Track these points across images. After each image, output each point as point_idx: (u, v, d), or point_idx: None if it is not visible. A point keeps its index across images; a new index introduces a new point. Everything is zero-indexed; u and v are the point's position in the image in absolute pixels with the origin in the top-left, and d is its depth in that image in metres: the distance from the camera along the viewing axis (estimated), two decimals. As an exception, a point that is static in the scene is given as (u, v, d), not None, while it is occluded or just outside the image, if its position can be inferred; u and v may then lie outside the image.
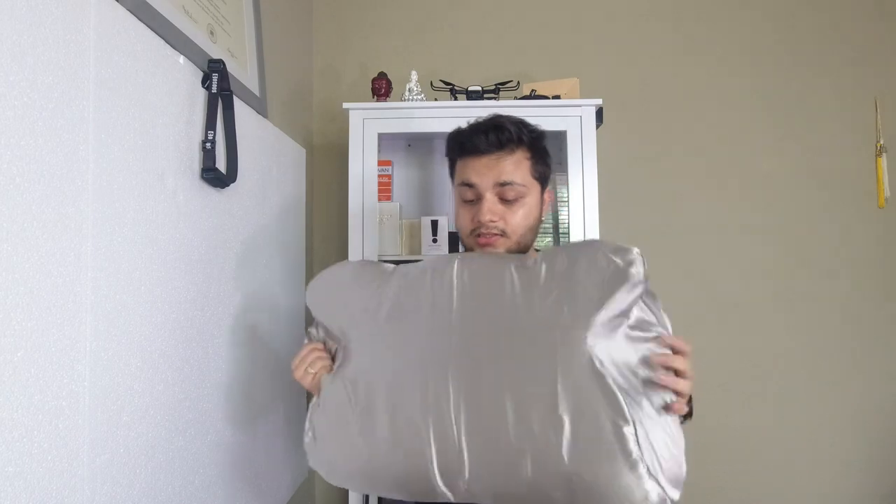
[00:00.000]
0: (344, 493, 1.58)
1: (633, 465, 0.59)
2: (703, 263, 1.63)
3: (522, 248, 0.83)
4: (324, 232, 1.69)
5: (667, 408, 0.64)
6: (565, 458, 0.60)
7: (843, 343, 1.61)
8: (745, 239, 1.64)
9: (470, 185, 0.81)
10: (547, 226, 1.49)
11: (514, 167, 0.80)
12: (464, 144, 0.82)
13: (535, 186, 0.83)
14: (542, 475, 0.62)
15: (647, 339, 0.67)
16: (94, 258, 0.66)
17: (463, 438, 0.64)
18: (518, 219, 0.80)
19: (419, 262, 0.77)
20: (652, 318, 0.70)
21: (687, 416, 0.71)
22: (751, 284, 1.63)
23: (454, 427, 0.65)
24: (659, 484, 0.60)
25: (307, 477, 1.51)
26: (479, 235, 0.81)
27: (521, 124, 0.82)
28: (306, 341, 0.81)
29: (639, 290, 0.66)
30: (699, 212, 1.65)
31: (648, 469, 0.60)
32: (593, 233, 1.29)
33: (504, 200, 0.80)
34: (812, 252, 1.63)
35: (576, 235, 1.30)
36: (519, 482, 0.63)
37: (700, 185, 1.65)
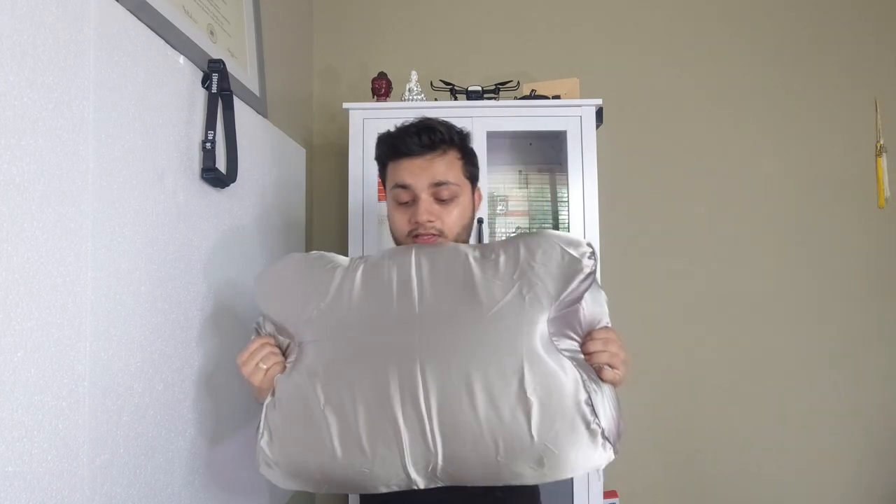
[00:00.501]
0: (344, 493, 1.58)
1: (593, 433, 0.66)
2: (703, 263, 1.63)
3: None
4: (324, 232, 1.69)
5: (608, 379, 0.71)
6: (535, 435, 0.64)
7: (844, 342, 1.61)
8: (744, 239, 1.64)
9: (404, 187, 0.81)
10: (546, 226, 1.49)
11: (447, 167, 0.82)
12: (395, 146, 0.83)
13: (467, 186, 0.85)
14: (513, 454, 0.65)
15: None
16: (94, 258, 0.66)
17: (435, 425, 0.66)
18: (454, 218, 0.82)
19: (374, 254, 0.77)
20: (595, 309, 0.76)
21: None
22: (750, 284, 1.63)
23: (425, 414, 0.66)
24: (611, 444, 0.67)
25: (307, 477, 1.51)
26: (416, 236, 0.81)
27: (449, 126, 0.84)
28: (254, 336, 0.79)
29: (590, 279, 0.71)
30: (699, 211, 1.65)
31: (603, 433, 0.66)
32: (593, 233, 1.30)
33: (439, 200, 0.81)
34: (812, 252, 1.63)
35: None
36: (490, 463, 0.66)
37: (700, 185, 1.65)
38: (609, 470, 1.35)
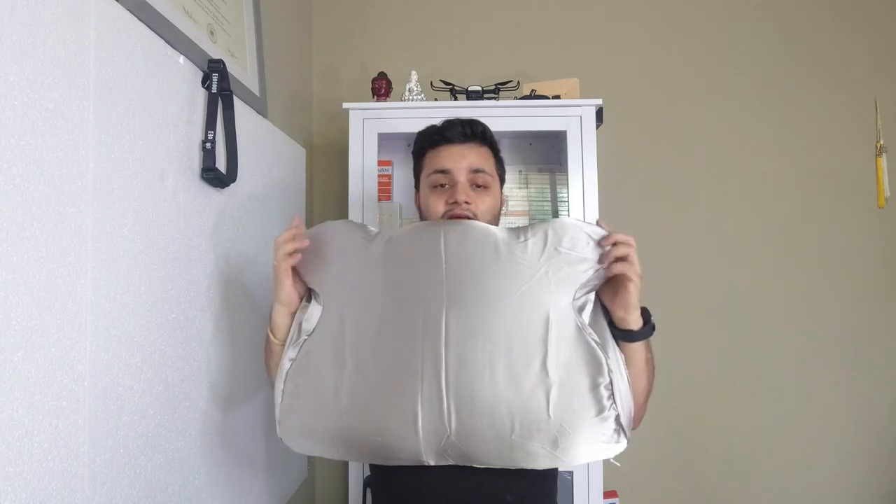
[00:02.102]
0: (344, 493, 1.58)
1: (607, 415, 0.68)
2: (703, 263, 1.63)
3: None
4: (324, 232, 1.68)
5: (620, 276, 0.71)
6: (551, 414, 0.66)
7: (843, 343, 1.61)
8: (744, 239, 1.64)
9: (444, 172, 0.85)
10: (547, 226, 1.49)
11: (484, 158, 0.87)
12: (440, 133, 0.87)
13: (497, 182, 0.90)
14: (528, 432, 0.67)
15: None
16: (94, 258, 0.66)
17: (452, 399, 0.67)
18: (486, 206, 0.85)
19: (403, 227, 0.79)
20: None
21: (650, 329, 0.77)
22: (750, 284, 1.63)
23: (444, 388, 0.67)
24: (623, 428, 0.69)
25: (307, 477, 1.51)
26: (451, 217, 0.83)
27: (487, 127, 0.90)
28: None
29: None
30: (699, 212, 1.65)
31: (617, 416, 0.68)
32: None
33: (475, 186, 0.85)
34: (812, 252, 1.63)
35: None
36: (504, 441, 0.67)
37: (700, 186, 1.65)
38: (609, 470, 1.35)
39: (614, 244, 0.71)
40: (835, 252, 1.63)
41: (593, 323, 0.75)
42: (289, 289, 0.78)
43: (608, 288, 0.75)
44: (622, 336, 0.75)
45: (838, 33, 1.67)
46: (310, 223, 1.61)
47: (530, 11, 1.71)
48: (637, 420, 0.78)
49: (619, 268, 0.70)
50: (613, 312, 0.75)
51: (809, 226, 1.63)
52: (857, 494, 1.60)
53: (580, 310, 0.73)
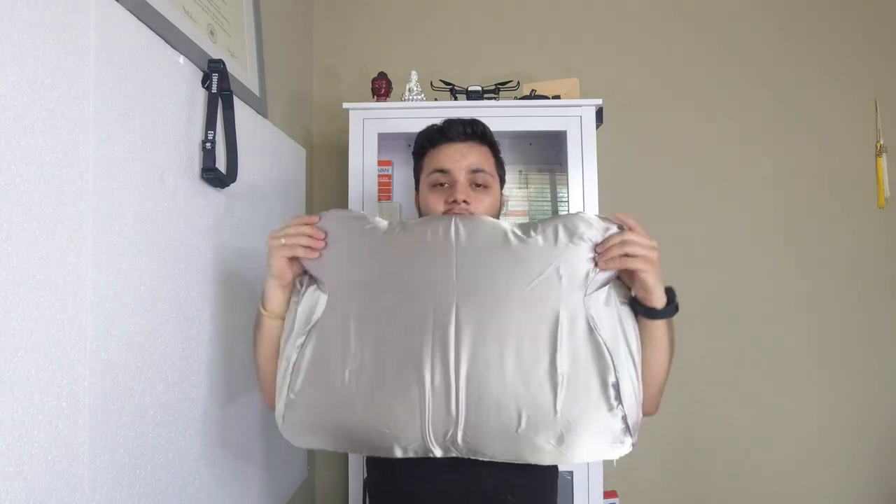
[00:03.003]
0: (344, 493, 1.58)
1: (614, 415, 0.68)
2: (703, 263, 1.63)
3: None
4: (324, 232, 1.68)
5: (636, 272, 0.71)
6: (558, 409, 0.67)
7: (843, 343, 1.61)
8: (744, 239, 1.64)
9: (443, 171, 0.84)
10: (547, 226, 1.49)
11: (484, 158, 0.87)
12: (441, 131, 0.87)
13: (497, 182, 0.89)
14: (535, 427, 0.67)
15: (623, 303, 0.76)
16: (94, 258, 0.66)
17: (462, 390, 0.67)
18: (486, 206, 0.85)
19: (413, 219, 0.78)
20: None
21: (673, 309, 0.75)
22: (750, 284, 1.63)
23: (453, 379, 0.67)
24: (629, 429, 0.69)
25: (307, 476, 1.51)
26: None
27: (487, 127, 0.89)
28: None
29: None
30: (699, 212, 1.65)
31: (624, 418, 0.68)
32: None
33: (475, 185, 0.85)
34: (812, 252, 1.63)
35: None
36: (510, 435, 0.67)
37: (700, 186, 1.65)
38: (609, 470, 1.35)
39: (611, 246, 0.70)
40: (835, 252, 1.63)
41: (607, 306, 0.73)
42: (280, 263, 0.75)
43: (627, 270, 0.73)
44: (643, 312, 0.75)
45: (838, 33, 1.67)
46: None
47: (530, 11, 1.71)
48: (654, 404, 0.79)
49: (626, 263, 0.70)
50: (635, 291, 0.75)
51: (809, 226, 1.63)
52: (857, 495, 1.60)
53: (602, 294, 0.72)
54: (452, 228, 0.73)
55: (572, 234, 0.71)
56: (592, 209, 1.29)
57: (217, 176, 0.92)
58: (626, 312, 0.75)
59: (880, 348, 1.61)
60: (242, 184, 1.06)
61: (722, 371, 1.62)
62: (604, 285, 0.72)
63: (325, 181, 1.69)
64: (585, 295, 0.70)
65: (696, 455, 1.61)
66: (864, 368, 1.61)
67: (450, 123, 0.87)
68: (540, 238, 0.72)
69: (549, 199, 1.50)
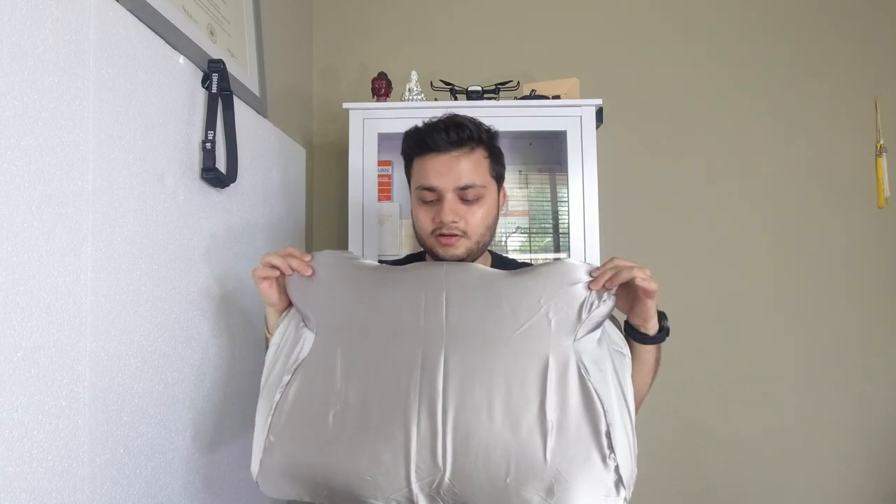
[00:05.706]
0: None
1: (607, 468, 0.65)
2: (703, 263, 1.63)
3: (482, 248, 0.84)
4: (324, 232, 1.68)
5: (644, 292, 0.70)
6: (548, 459, 0.64)
7: (843, 343, 1.61)
8: (744, 239, 1.64)
9: (430, 189, 0.80)
10: (546, 226, 1.49)
11: (474, 167, 0.80)
12: (422, 141, 0.81)
13: (493, 185, 0.84)
14: (524, 477, 0.64)
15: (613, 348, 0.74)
16: (94, 258, 0.66)
17: (448, 438, 0.65)
18: (478, 219, 0.81)
19: (404, 265, 0.78)
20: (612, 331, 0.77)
21: (663, 335, 0.76)
22: (750, 284, 1.63)
23: (440, 426, 0.65)
24: (622, 481, 0.65)
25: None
26: (440, 235, 0.81)
27: (478, 123, 0.83)
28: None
29: (610, 304, 0.71)
30: (699, 212, 1.64)
31: (617, 469, 0.65)
32: (593, 233, 1.29)
33: (464, 201, 0.80)
34: (812, 252, 1.63)
35: (576, 235, 1.30)
36: (499, 485, 0.65)
37: (700, 185, 1.65)
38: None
39: (604, 270, 0.70)
40: (835, 252, 1.63)
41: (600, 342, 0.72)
42: (264, 287, 0.76)
43: (625, 299, 0.73)
44: (636, 337, 0.75)
45: (838, 33, 1.67)
46: (310, 223, 1.61)
47: (530, 11, 1.71)
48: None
49: (621, 276, 0.68)
50: (630, 320, 0.75)
51: (809, 226, 1.63)
52: (858, 494, 1.60)
53: (593, 341, 0.71)
54: (444, 276, 0.73)
55: (562, 279, 0.71)
56: (592, 209, 1.29)
57: (217, 176, 0.92)
58: (619, 358, 0.73)
59: (880, 348, 1.61)
60: (242, 184, 1.06)
61: (721, 371, 1.62)
62: (598, 326, 0.71)
63: (325, 181, 1.69)
64: (576, 339, 0.69)
65: (695, 456, 1.61)
66: (864, 368, 1.61)
67: (432, 131, 0.81)
68: (530, 283, 0.71)
69: (549, 199, 1.50)
